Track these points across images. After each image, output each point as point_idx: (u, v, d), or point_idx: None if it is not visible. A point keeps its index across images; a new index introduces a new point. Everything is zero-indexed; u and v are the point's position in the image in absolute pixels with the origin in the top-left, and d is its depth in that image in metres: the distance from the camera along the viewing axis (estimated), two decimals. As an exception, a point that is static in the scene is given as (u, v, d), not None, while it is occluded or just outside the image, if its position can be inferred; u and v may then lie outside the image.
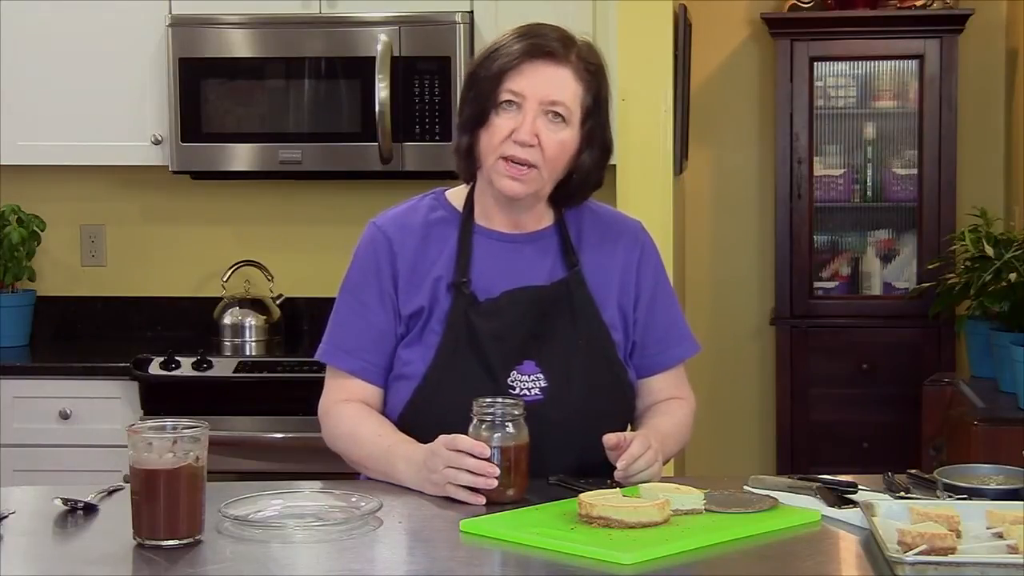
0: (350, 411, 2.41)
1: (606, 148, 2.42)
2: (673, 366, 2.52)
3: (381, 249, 2.42)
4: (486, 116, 2.34)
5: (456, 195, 2.47)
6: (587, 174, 2.40)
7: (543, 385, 2.36)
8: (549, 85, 2.32)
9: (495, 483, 2.15)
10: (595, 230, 2.48)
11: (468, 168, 2.42)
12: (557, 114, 2.33)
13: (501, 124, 2.33)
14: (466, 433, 2.19)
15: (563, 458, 2.32)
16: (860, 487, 2.19)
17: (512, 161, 2.32)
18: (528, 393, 2.34)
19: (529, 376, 2.36)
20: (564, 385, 2.36)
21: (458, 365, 2.35)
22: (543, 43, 2.33)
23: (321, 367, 2.50)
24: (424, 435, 2.29)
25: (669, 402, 2.50)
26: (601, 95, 2.38)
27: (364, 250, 2.45)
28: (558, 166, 2.36)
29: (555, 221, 2.46)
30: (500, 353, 2.35)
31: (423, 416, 2.34)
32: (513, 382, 2.35)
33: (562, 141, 2.34)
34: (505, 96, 2.32)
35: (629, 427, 2.46)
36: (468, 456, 2.16)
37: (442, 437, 2.20)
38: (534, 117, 2.31)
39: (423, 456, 2.24)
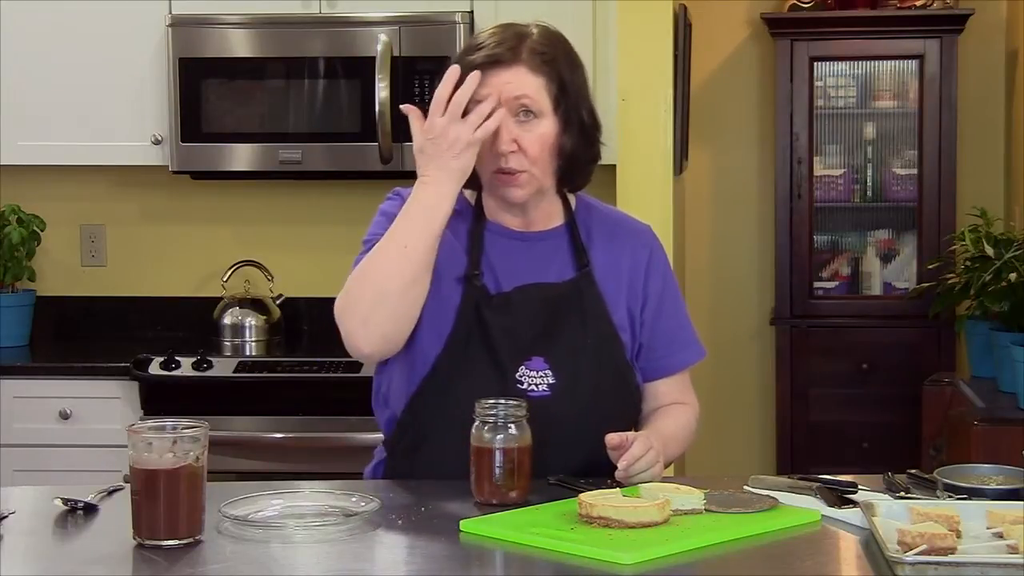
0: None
1: (585, 126, 2.40)
2: (678, 371, 2.52)
3: None
4: None
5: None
6: (573, 156, 2.39)
7: (551, 382, 2.36)
8: (508, 87, 2.33)
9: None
10: (604, 231, 2.48)
11: (473, 183, 2.42)
12: (527, 111, 2.33)
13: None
14: (469, 434, 2.19)
15: (567, 456, 2.33)
16: (860, 487, 2.19)
17: (503, 172, 2.33)
18: (536, 389, 2.34)
19: (538, 372, 2.36)
20: (571, 383, 2.36)
21: (468, 357, 2.35)
22: (489, 52, 2.35)
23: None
24: (431, 425, 2.30)
25: (673, 406, 2.50)
26: (564, 79, 2.37)
27: (389, 208, 2.42)
28: (546, 160, 2.36)
29: (565, 221, 2.47)
30: (510, 348, 2.35)
31: (431, 407, 2.35)
32: (521, 377, 2.35)
33: (541, 135, 2.34)
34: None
35: (633, 429, 2.46)
36: (445, 109, 2.24)
37: (421, 129, 2.27)
38: (507, 123, 2.32)
39: (421, 161, 2.28)
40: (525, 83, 2.34)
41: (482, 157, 2.34)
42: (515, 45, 2.36)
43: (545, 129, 2.35)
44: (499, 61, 2.34)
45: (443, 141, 2.26)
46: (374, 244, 2.34)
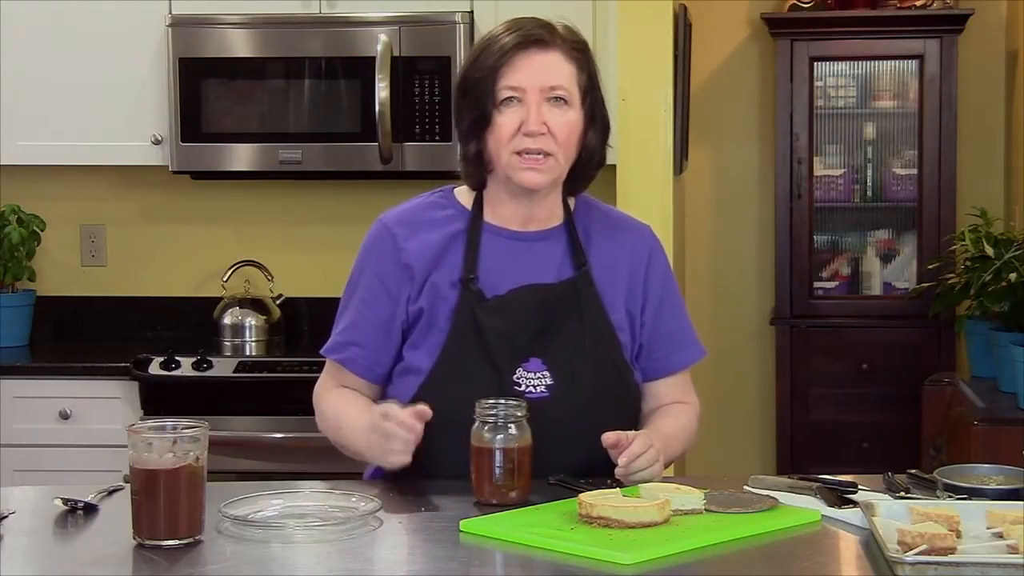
0: (335, 397, 2.46)
1: (606, 125, 2.44)
2: (679, 371, 2.52)
3: (386, 246, 2.42)
4: (488, 117, 2.34)
5: (465, 193, 2.47)
6: (593, 153, 2.42)
7: (548, 383, 2.36)
8: (545, 71, 2.33)
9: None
10: (604, 231, 2.48)
11: (479, 174, 2.41)
12: (559, 98, 2.34)
13: (506, 121, 2.33)
14: (469, 434, 2.19)
15: (567, 457, 2.32)
16: (860, 487, 2.19)
17: (527, 153, 2.33)
18: (533, 391, 2.34)
19: (535, 374, 2.36)
20: (569, 384, 2.36)
21: (464, 362, 2.35)
22: (528, 32, 2.35)
23: (320, 367, 2.51)
24: (429, 431, 2.29)
25: (674, 405, 2.50)
26: (592, 71, 2.40)
27: (369, 246, 2.46)
28: (571, 149, 2.37)
29: (564, 220, 2.46)
30: (506, 350, 2.35)
31: (429, 413, 2.35)
32: (519, 379, 2.34)
33: (569, 123, 2.35)
34: (504, 93, 2.33)
35: (633, 429, 2.46)
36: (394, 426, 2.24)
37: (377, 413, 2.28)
38: (538, 106, 2.32)
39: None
40: (561, 70, 2.35)
41: (502, 139, 2.34)
42: (550, 29, 2.37)
43: (573, 119, 2.36)
44: (539, 41, 2.34)
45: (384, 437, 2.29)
46: (355, 287, 2.43)
